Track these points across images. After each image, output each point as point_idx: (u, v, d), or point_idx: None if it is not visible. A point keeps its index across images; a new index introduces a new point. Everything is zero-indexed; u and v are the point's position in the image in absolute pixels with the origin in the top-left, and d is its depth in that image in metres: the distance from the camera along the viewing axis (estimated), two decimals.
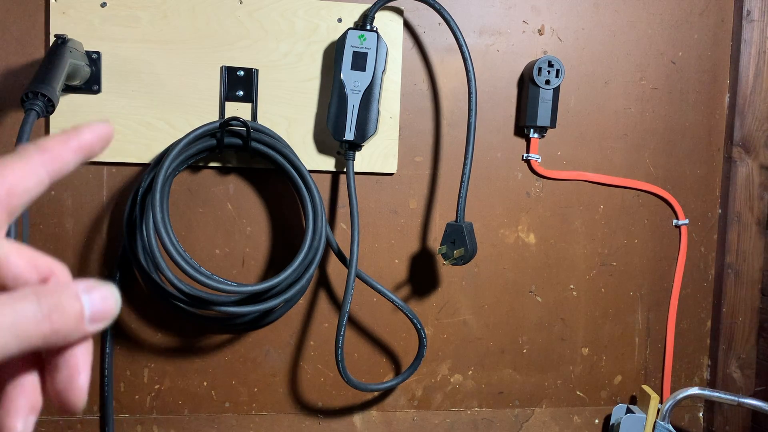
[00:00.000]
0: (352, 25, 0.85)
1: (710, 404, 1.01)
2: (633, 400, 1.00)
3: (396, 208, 0.91)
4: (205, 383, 0.90)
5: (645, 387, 0.98)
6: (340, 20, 0.86)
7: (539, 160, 0.93)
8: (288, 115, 0.86)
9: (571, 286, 0.97)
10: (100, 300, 0.27)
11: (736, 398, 0.88)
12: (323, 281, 0.91)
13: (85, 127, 0.29)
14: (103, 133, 0.30)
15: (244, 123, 0.78)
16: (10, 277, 0.26)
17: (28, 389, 0.27)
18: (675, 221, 0.98)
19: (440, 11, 0.82)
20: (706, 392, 0.90)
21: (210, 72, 0.84)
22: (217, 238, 0.88)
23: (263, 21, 0.85)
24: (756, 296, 1.00)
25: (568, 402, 0.99)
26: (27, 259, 0.27)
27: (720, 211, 0.99)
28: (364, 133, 0.82)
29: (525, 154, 0.93)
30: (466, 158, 0.83)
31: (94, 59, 0.81)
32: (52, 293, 0.25)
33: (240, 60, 0.84)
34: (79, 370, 0.27)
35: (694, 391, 0.90)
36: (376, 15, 0.84)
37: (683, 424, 1.02)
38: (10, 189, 0.27)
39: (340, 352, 0.82)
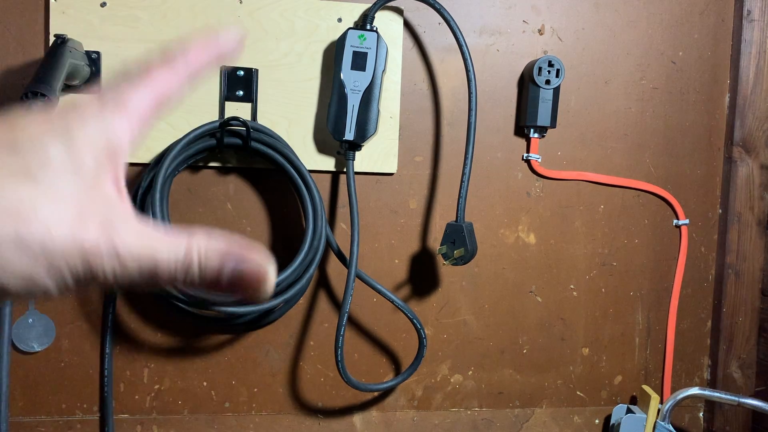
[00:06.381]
0: (352, 25, 0.85)
1: (710, 404, 1.01)
2: (633, 400, 1.00)
3: (396, 208, 0.91)
4: (205, 383, 0.90)
5: (645, 387, 0.98)
6: (340, 20, 0.86)
7: (539, 160, 0.93)
8: (288, 115, 0.86)
9: (572, 286, 0.97)
10: (247, 273, 0.25)
11: (737, 398, 0.87)
12: (323, 281, 0.91)
13: (221, 32, 0.28)
14: (237, 40, 0.29)
15: (243, 123, 0.78)
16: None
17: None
18: (675, 221, 0.98)
19: (440, 11, 0.82)
20: (707, 392, 0.90)
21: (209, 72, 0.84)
22: None
23: (263, 21, 0.84)
24: (756, 296, 0.99)
25: (568, 402, 0.99)
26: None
27: (720, 211, 0.99)
28: (364, 133, 0.82)
29: (525, 154, 0.93)
30: (466, 158, 0.83)
31: (94, 59, 0.81)
32: (202, 250, 0.25)
33: (240, 60, 0.84)
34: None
35: (695, 391, 0.90)
36: (376, 15, 0.84)
37: (683, 424, 1.02)
38: (160, 97, 0.27)
39: (339, 352, 0.82)
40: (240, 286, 0.25)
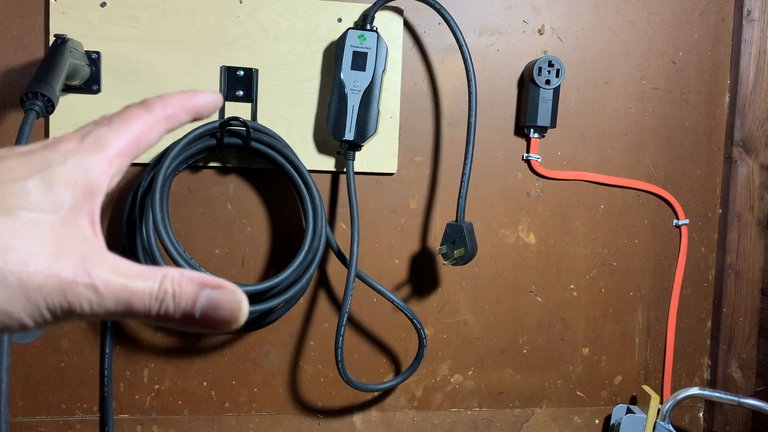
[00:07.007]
0: (352, 25, 0.85)
1: (710, 404, 1.01)
2: (633, 400, 1.00)
3: (396, 208, 0.91)
4: (205, 383, 0.90)
5: (645, 387, 0.98)
6: (340, 20, 0.86)
7: (539, 160, 0.93)
8: (288, 115, 0.86)
9: (572, 286, 0.97)
10: (221, 301, 0.26)
11: (737, 398, 0.87)
12: (323, 281, 0.91)
13: (200, 91, 0.30)
14: (215, 101, 0.31)
15: (243, 123, 0.78)
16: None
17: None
18: (675, 221, 0.98)
19: (440, 11, 0.82)
20: (707, 392, 0.90)
21: (210, 72, 0.84)
22: (217, 238, 0.88)
23: (263, 21, 0.84)
24: (756, 296, 0.99)
25: (568, 402, 0.99)
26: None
27: (720, 211, 0.99)
28: (364, 133, 0.82)
29: (525, 154, 0.93)
30: (466, 158, 0.83)
31: (93, 59, 0.81)
32: (176, 280, 0.25)
33: (240, 60, 0.84)
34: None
35: (695, 391, 0.90)
36: (376, 15, 0.84)
37: (683, 424, 1.02)
38: (138, 138, 0.28)
39: (339, 352, 0.82)
40: (214, 316, 0.26)
